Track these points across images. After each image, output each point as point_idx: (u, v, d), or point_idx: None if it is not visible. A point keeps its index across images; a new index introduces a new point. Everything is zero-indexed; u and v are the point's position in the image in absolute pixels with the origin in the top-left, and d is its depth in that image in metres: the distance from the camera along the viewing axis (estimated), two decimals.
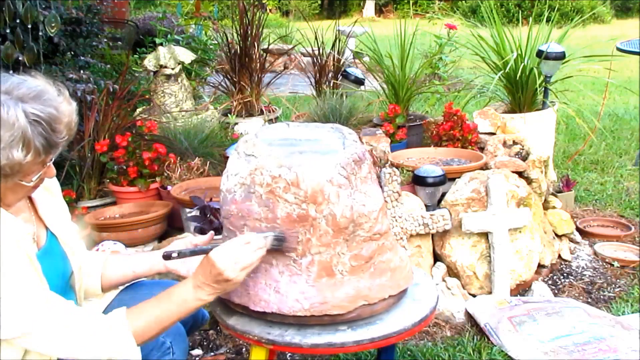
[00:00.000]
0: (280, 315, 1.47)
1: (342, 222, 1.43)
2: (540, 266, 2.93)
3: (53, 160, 1.36)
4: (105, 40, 4.90)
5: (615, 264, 3.08)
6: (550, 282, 2.93)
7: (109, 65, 4.70)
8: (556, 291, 2.85)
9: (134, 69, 4.93)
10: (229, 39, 4.18)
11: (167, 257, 1.49)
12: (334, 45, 4.35)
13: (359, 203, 1.46)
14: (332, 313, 1.46)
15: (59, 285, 1.46)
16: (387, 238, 1.55)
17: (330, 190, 1.42)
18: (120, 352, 1.32)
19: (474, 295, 2.73)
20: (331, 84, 4.21)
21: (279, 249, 1.45)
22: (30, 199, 1.49)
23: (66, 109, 1.32)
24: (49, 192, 1.56)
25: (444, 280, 2.70)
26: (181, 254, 1.49)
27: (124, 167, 2.94)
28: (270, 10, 15.57)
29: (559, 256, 3.11)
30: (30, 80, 1.30)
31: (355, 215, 1.45)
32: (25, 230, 1.37)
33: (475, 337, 2.46)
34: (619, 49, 4.39)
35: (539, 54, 3.59)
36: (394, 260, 1.57)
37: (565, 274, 3.01)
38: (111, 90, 3.30)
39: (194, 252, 1.50)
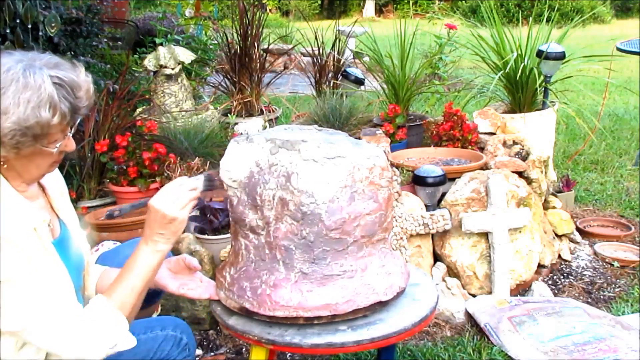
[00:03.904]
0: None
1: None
2: (540, 266, 2.93)
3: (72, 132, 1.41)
4: (105, 40, 4.91)
5: (615, 264, 3.08)
6: (550, 282, 2.93)
7: (109, 65, 4.70)
8: (556, 291, 2.85)
9: (134, 69, 4.92)
10: (229, 39, 4.18)
11: (110, 216, 1.67)
12: (334, 45, 4.35)
13: None
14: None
15: (73, 277, 1.45)
16: None
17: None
18: (115, 331, 1.36)
19: (474, 295, 2.73)
20: (331, 84, 4.20)
21: (210, 187, 1.55)
22: (43, 188, 1.50)
23: (84, 79, 1.39)
24: (59, 187, 1.57)
25: (444, 280, 2.70)
26: (122, 210, 1.68)
27: (124, 167, 2.94)
28: (270, 10, 15.59)
29: (559, 256, 3.11)
30: (47, 55, 1.37)
31: None
32: (41, 217, 1.39)
33: (475, 337, 2.46)
34: (619, 49, 4.38)
35: (539, 54, 3.59)
36: None
37: (565, 274, 3.01)
38: (111, 90, 3.29)
39: (133, 206, 1.69)
